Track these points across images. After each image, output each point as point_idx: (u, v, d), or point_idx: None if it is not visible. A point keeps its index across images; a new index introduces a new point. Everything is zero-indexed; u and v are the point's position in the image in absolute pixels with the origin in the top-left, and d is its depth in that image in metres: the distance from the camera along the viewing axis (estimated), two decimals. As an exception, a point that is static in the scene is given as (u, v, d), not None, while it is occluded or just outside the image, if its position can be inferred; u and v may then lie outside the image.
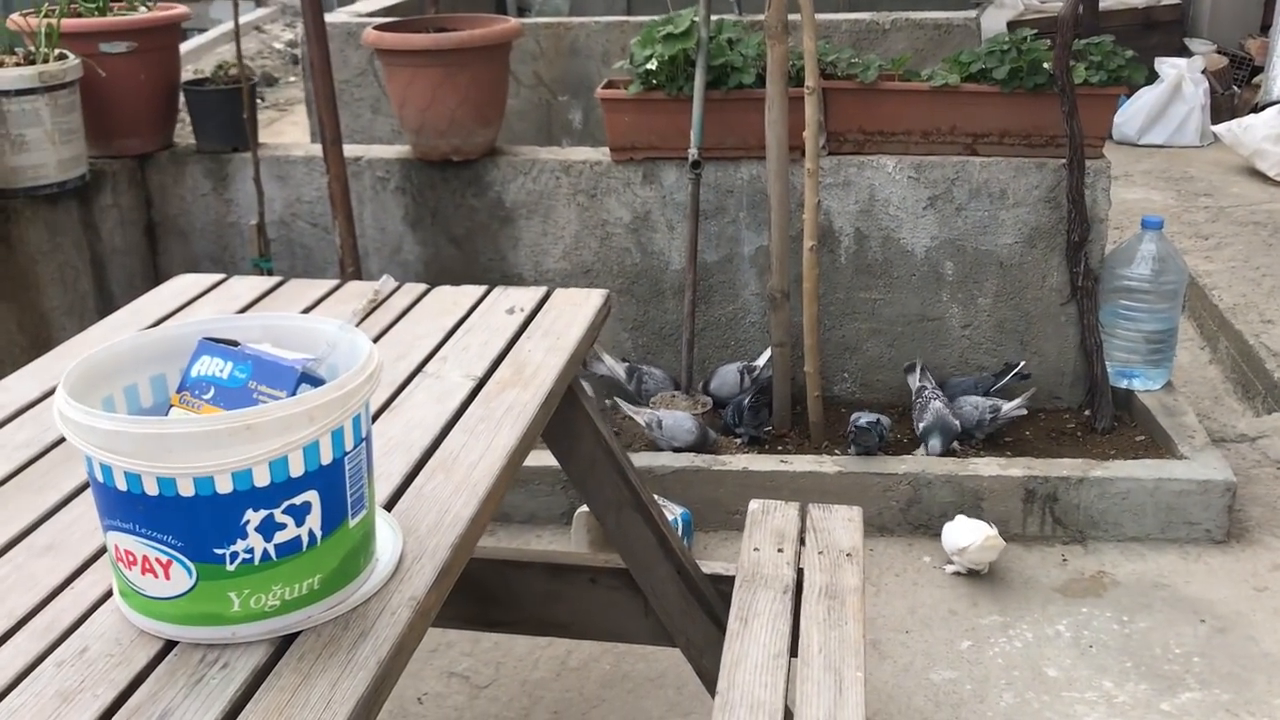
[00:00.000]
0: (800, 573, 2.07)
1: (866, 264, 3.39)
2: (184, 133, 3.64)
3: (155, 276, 3.56)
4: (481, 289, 2.16)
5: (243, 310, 2.07)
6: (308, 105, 4.96)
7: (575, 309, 2.07)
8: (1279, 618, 2.67)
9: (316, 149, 3.39)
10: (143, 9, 3.51)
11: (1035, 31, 3.28)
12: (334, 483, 1.20)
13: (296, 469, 1.15)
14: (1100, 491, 2.94)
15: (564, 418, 2.01)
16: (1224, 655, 2.55)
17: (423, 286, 2.20)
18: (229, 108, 3.41)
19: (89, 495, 1.47)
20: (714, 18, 3.34)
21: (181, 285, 2.22)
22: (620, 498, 2.08)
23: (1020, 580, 2.85)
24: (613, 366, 3.41)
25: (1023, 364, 3.34)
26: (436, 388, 1.78)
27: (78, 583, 1.30)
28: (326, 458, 1.18)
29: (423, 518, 1.42)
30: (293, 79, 9.91)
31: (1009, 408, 3.23)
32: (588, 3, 7.75)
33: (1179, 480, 2.92)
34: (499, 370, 1.84)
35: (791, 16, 3.07)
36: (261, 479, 1.13)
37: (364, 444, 1.24)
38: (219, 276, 2.25)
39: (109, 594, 1.27)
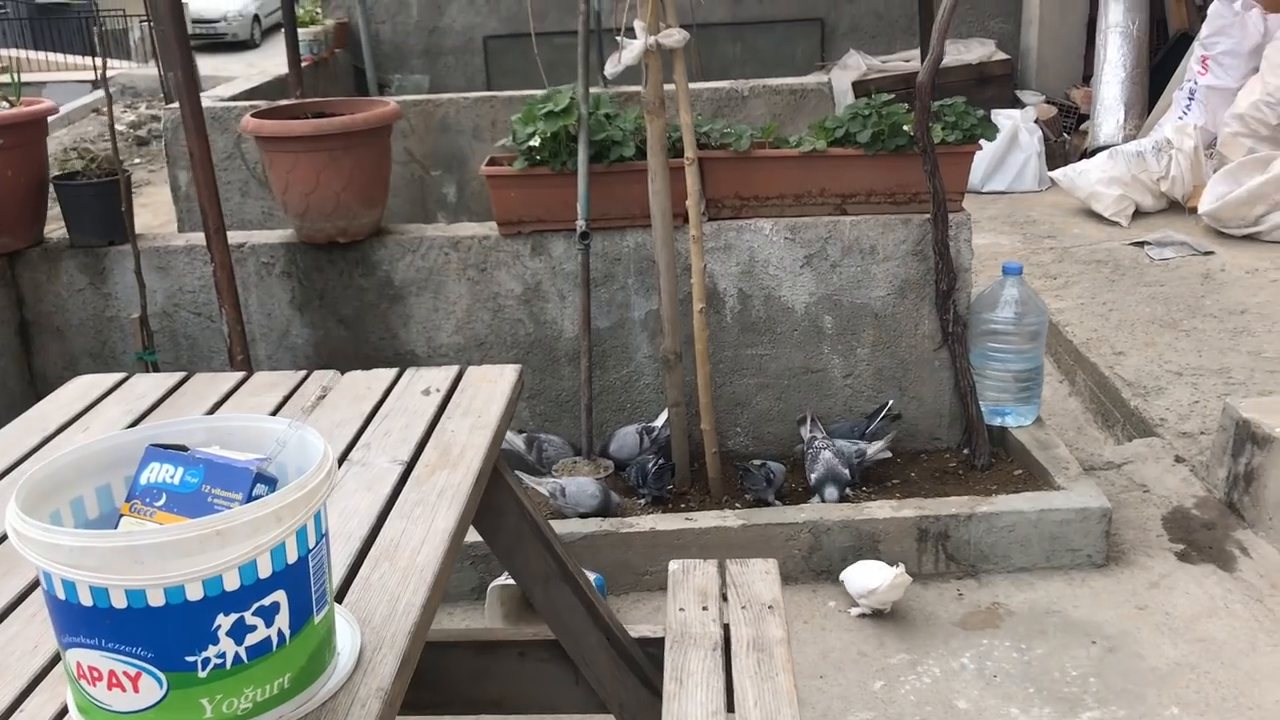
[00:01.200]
0: (727, 629, 2.13)
1: (751, 322, 3.52)
2: (56, 227, 3.55)
3: (31, 376, 3.44)
4: (393, 372, 2.19)
5: (151, 408, 2.04)
6: (173, 192, 4.88)
7: (491, 386, 2.11)
8: (1160, 634, 2.85)
9: (198, 238, 3.35)
10: (4, 105, 3.43)
11: (892, 95, 3.49)
12: (300, 580, 1.21)
13: (265, 570, 1.16)
14: (988, 526, 3.10)
15: (488, 494, 2.04)
16: (1116, 673, 2.71)
17: (333, 373, 2.21)
18: (103, 200, 3.35)
19: (24, 611, 1.45)
20: (591, 92, 3.45)
21: (81, 387, 2.18)
22: (548, 570, 2.12)
23: (922, 618, 2.97)
24: (511, 439, 3.44)
25: (891, 403, 3.50)
26: (365, 475, 1.79)
27: (27, 704, 1.28)
28: (292, 556, 1.19)
29: (375, 608, 1.43)
30: (138, 161, 9.68)
31: (874, 450, 3.38)
32: (447, 79, 7.85)
33: (1059, 510, 3.10)
34: (425, 453, 1.86)
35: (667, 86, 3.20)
36: (232, 583, 1.14)
37: (324, 540, 1.26)
38: (120, 376, 2.21)
39: (64, 712, 1.24)
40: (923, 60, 7.16)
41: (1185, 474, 3.56)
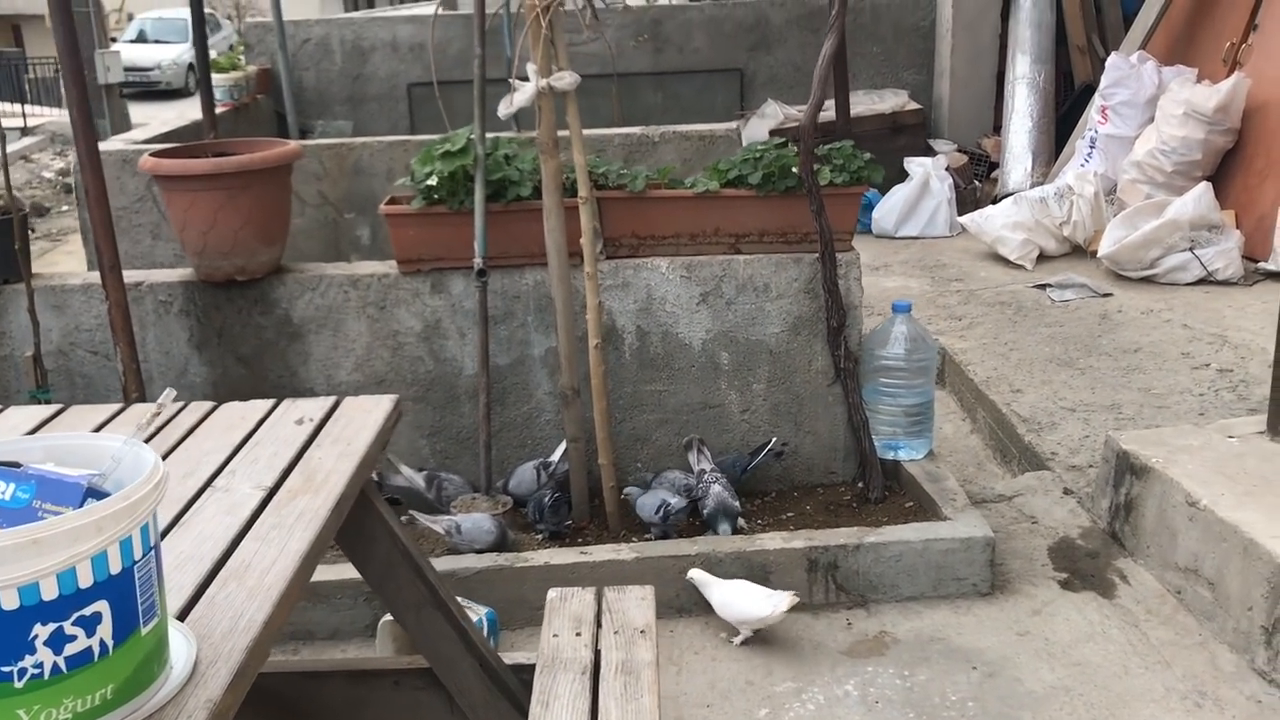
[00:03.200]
0: (598, 653, 2.16)
1: (650, 359, 3.58)
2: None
3: (-80, 415, 3.40)
4: (270, 402, 2.21)
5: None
6: (83, 234, 4.86)
7: (365, 415, 2.15)
8: (1039, 659, 2.92)
9: (95, 276, 3.35)
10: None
11: (788, 139, 3.60)
12: (124, 591, 1.23)
13: (85, 580, 1.18)
14: (876, 556, 3.17)
15: (359, 523, 2.07)
16: (994, 697, 2.78)
17: (210, 404, 2.23)
18: (-2, 239, 3.34)
19: None
20: (491, 135, 3.52)
21: (-45, 420, 2.17)
22: (419, 597, 2.14)
23: (810, 646, 3.02)
24: (411, 476, 3.46)
25: (774, 441, 3.57)
26: (226, 500, 1.81)
27: None
28: (116, 567, 1.21)
29: (217, 624, 1.45)
30: (65, 208, 9.60)
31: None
32: (370, 125, 7.90)
33: (944, 540, 3.18)
34: (289, 479, 1.88)
35: (562, 133, 3.27)
36: (50, 592, 1.16)
37: (153, 552, 1.28)
38: (-5, 408, 2.21)
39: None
40: (837, 110, 7.35)
41: (1073, 505, 3.67)
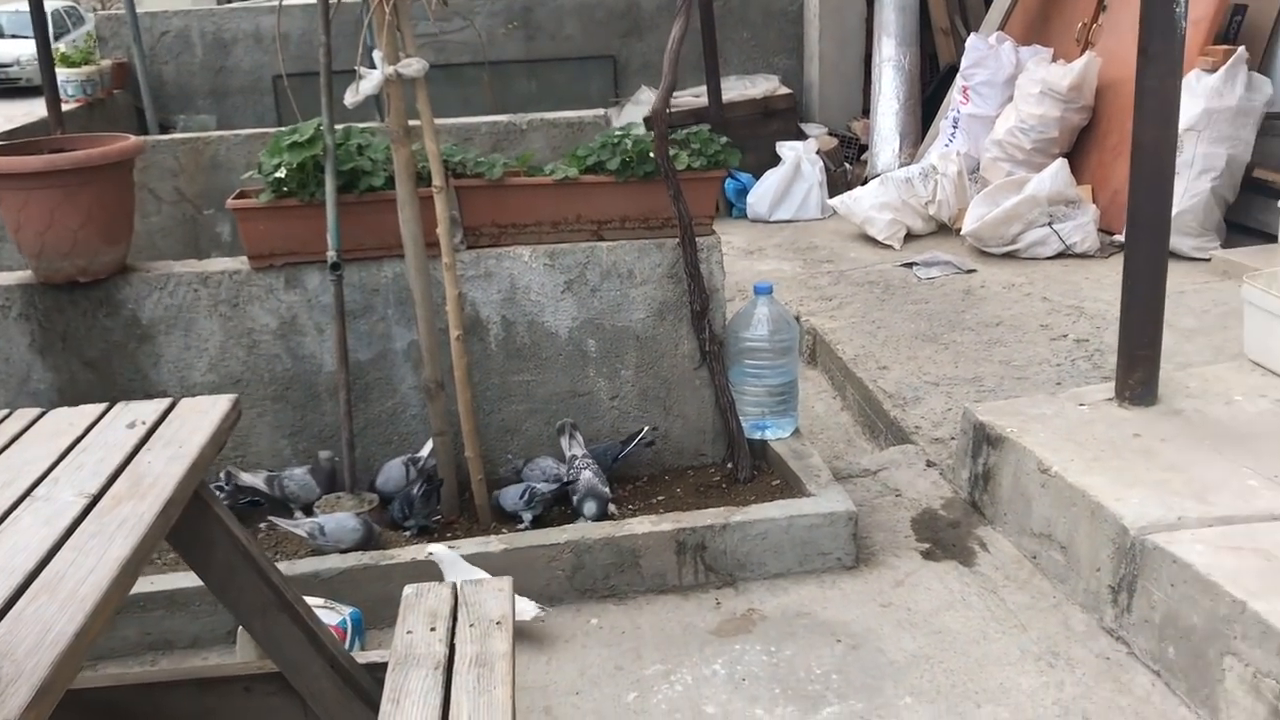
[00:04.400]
0: (453, 647, 2.14)
1: (516, 349, 3.55)
2: None
3: None
4: (101, 406, 2.13)
5: None
6: (-79, 237, 4.62)
7: (200, 416, 2.08)
8: (901, 629, 2.99)
9: (-77, 282, 3.19)
10: None
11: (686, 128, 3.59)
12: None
13: None
14: (742, 535, 3.20)
15: (195, 527, 2.00)
16: (857, 669, 2.83)
17: (37, 411, 2.14)
18: None
19: None
20: (344, 125, 3.44)
21: None
22: (264, 600, 2.08)
23: (680, 628, 3.03)
24: (251, 480, 3.37)
25: (645, 430, 3.58)
26: (45, 510, 1.74)
27: None
28: (-109, 586, 1.15)
29: (22, 640, 1.39)
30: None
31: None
32: (235, 119, 7.69)
33: (808, 516, 3.22)
34: (115, 485, 1.82)
35: (417, 122, 3.22)
36: None
37: (-62, 568, 1.22)
38: None
39: None
40: (709, 96, 7.39)
41: (935, 477, 3.76)
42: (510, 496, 3.32)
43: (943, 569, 3.26)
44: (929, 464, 3.83)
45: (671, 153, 3.42)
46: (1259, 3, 5.70)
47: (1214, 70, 5.27)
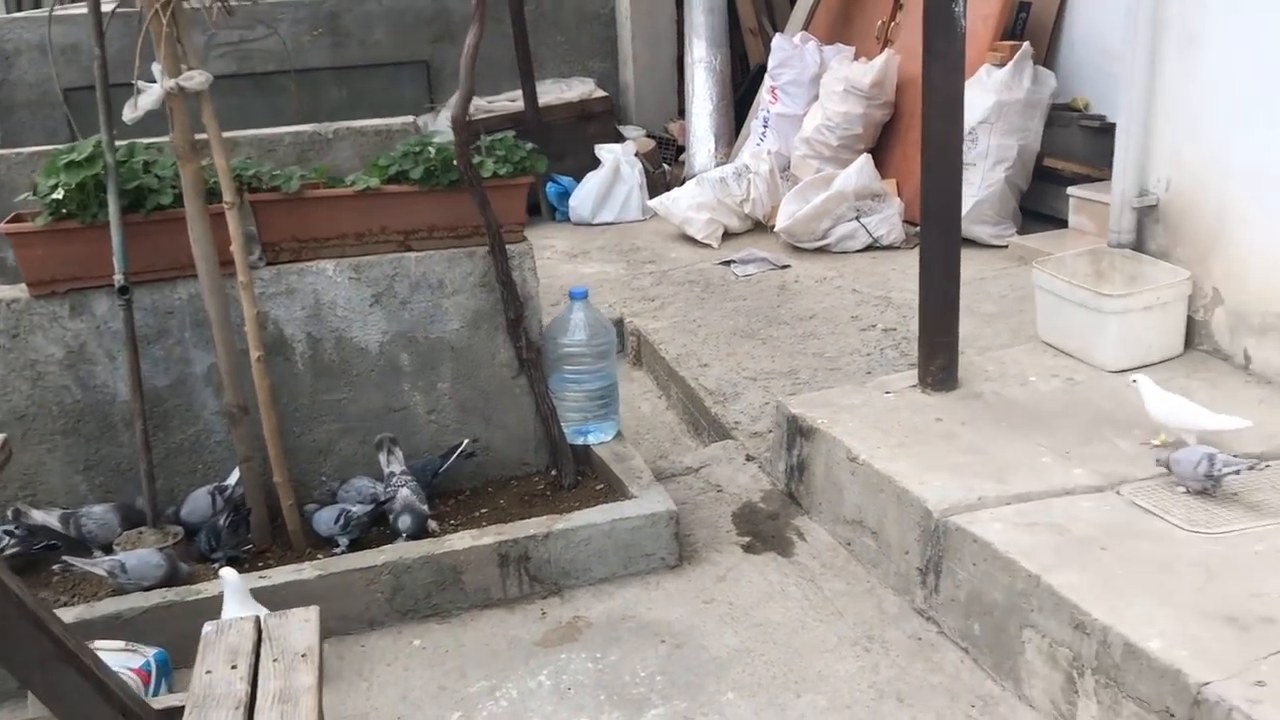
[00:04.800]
0: (255, 684, 2.05)
1: (325, 366, 3.45)
2: None
3: None
4: None
5: None
6: None
7: (-39, 460, 1.94)
8: (724, 624, 3.02)
9: None
10: None
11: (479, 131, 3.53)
12: None
13: None
14: (566, 543, 3.18)
15: (-42, 579, 1.86)
16: (681, 668, 2.85)
17: None
18: None
19: None
20: (128, 141, 3.27)
21: None
22: (43, 653, 1.95)
23: (505, 642, 3.00)
24: (44, 519, 3.17)
25: (465, 443, 3.53)
26: None
27: None
28: None
29: None
30: None
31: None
32: (22, 135, 7.24)
33: (630, 518, 3.23)
34: None
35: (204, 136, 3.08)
36: None
37: None
38: None
39: None
40: (525, 100, 7.32)
41: (755, 471, 3.82)
42: (324, 520, 3.22)
43: (763, 561, 3.32)
44: (748, 458, 3.90)
45: (477, 160, 3.38)
46: (1042, 0, 6.02)
47: (1002, 65, 5.53)
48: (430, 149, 3.38)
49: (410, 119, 5.23)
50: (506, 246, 3.43)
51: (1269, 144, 3.44)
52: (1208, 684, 2.15)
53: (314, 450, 3.50)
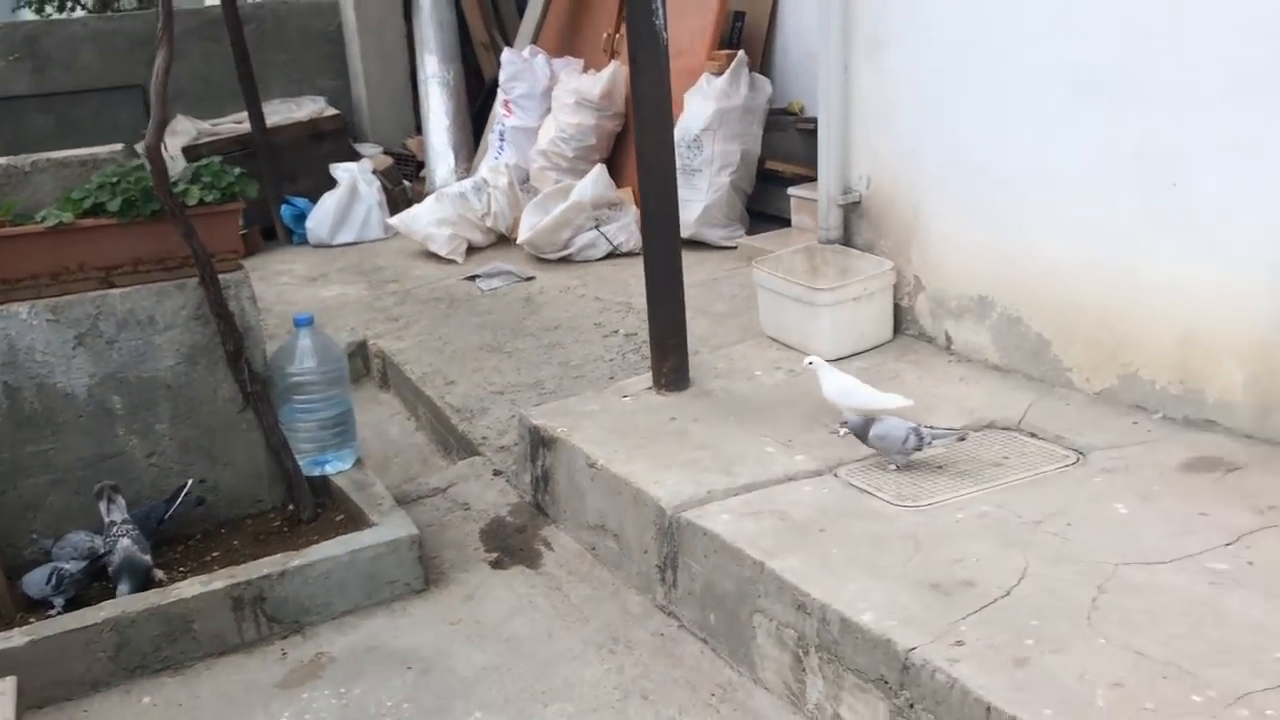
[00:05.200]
0: (-59, 771, 1.89)
1: (26, 416, 3.21)
2: None
3: None
4: None
5: None
6: None
7: None
8: (471, 643, 3.00)
9: None
10: None
11: (223, 157, 3.36)
12: None
13: None
14: (303, 579, 3.08)
15: None
16: (428, 693, 2.81)
17: None
18: None
19: None
20: None
21: None
22: None
23: (242, 688, 2.87)
24: None
25: (190, 484, 3.38)
26: None
27: None
28: None
29: None
30: None
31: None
32: None
33: (371, 547, 3.17)
34: None
35: None
36: None
37: None
38: None
39: None
40: (251, 121, 7.06)
41: (502, 485, 3.82)
42: (35, 582, 3.00)
43: (510, 575, 3.32)
44: (496, 473, 3.89)
45: (181, 188, 3.23)
46: (754, 9, 6.28)
47: (720, 73, 5.74)
48: (128, 179, 3.20)
49: (119, 147, 4.94)
50: (220, 276, 3.29)
51: (954, 143, 3.72)
52: (914, 649, 2.30)
53: (21, 506, 3.26)
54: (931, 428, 3.10)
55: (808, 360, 3.42)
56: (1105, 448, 3.11)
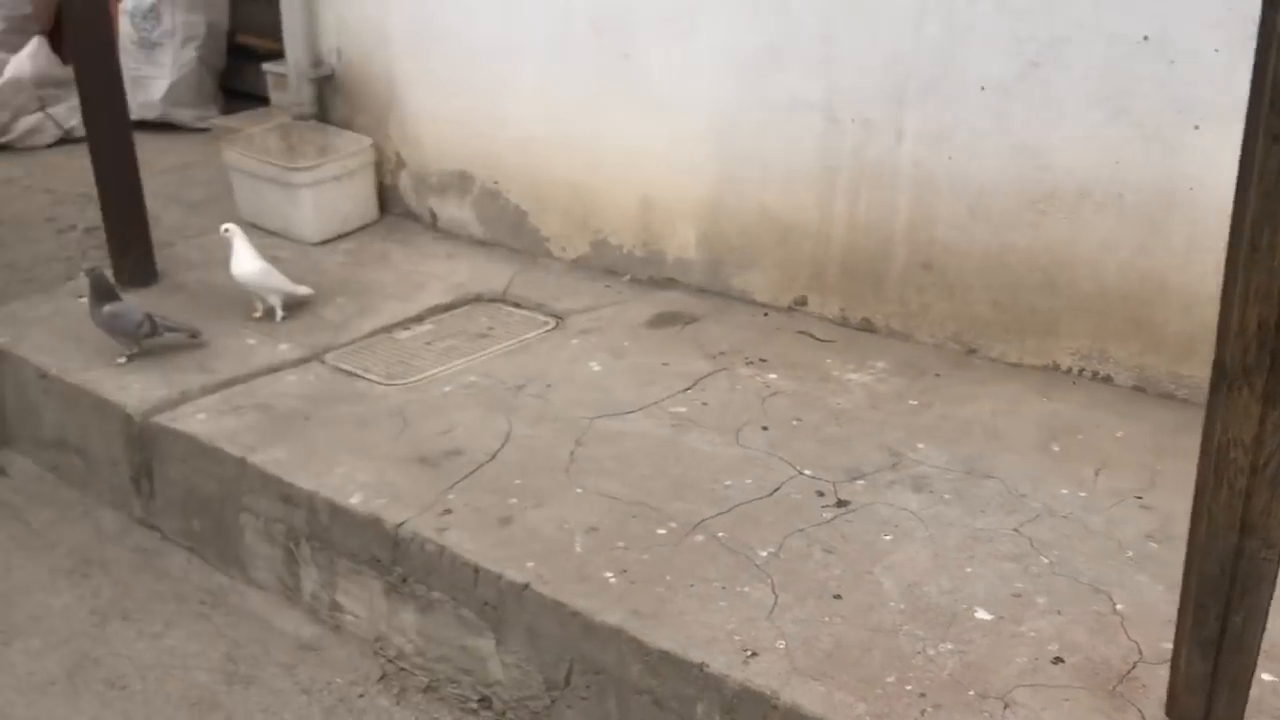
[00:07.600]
0: None
1: None
2: None
3: None
4: None
5: None
6: None
7: None
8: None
9: None
10: None
11: None
12: None
13: None
14: None
15: None
16: None
17: None
18: None
19: None
20: None
21: None
22: None
23: None
24: None
25: None
26: None
27: None
28: None
29: None
30: None
31: None
32: None
33: None
34: None
35: None
36: None
37: None
38: None
39: None
40: None
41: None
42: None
43: (-35, 516, 2.91)
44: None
45: None
46: None
47: (174, -64, 5.20)
48: None
49: None
50: None
51: (420, 11, 3.64)
52: (403, 524, 2.29)
53: None
54: (165, 318, 2.97)
55: (224, 228, 3.20)
56: (581, 311, 3.27)
